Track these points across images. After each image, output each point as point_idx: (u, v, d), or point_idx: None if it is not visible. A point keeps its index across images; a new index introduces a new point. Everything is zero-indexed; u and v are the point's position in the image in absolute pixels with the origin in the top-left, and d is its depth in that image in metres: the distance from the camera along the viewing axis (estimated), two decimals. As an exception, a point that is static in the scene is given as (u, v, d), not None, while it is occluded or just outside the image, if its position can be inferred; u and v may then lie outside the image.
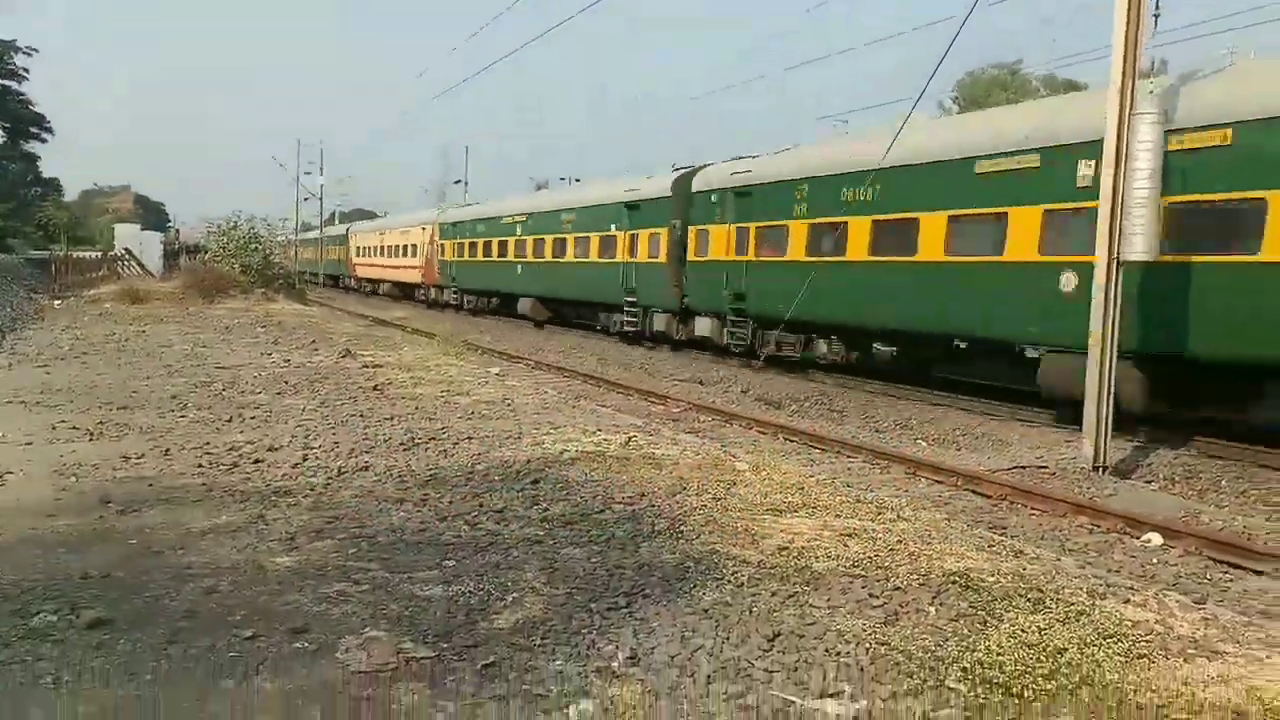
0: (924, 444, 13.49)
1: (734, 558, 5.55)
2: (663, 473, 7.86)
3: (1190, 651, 4.37)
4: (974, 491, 10.22)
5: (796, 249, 19.04)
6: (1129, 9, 11.15)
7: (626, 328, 26.36)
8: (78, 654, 4.06)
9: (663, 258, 24.18)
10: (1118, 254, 11.25)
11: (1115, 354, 11.35)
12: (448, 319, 36.73)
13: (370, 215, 73.48)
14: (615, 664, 4.08)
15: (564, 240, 30.66)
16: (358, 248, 56.52)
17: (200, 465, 7.76)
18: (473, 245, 38.50)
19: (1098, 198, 11.57)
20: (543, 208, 33.20)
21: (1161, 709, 3.73)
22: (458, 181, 68.05)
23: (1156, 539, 8.46)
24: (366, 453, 8.36)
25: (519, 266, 33.88)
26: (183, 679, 3.88)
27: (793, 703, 3.76)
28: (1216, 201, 11.79)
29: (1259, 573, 7.66)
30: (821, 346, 19.24)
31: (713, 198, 22.42)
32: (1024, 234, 14.09)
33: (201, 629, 4.37)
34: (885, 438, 13.88)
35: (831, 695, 3.83)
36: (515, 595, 4.91)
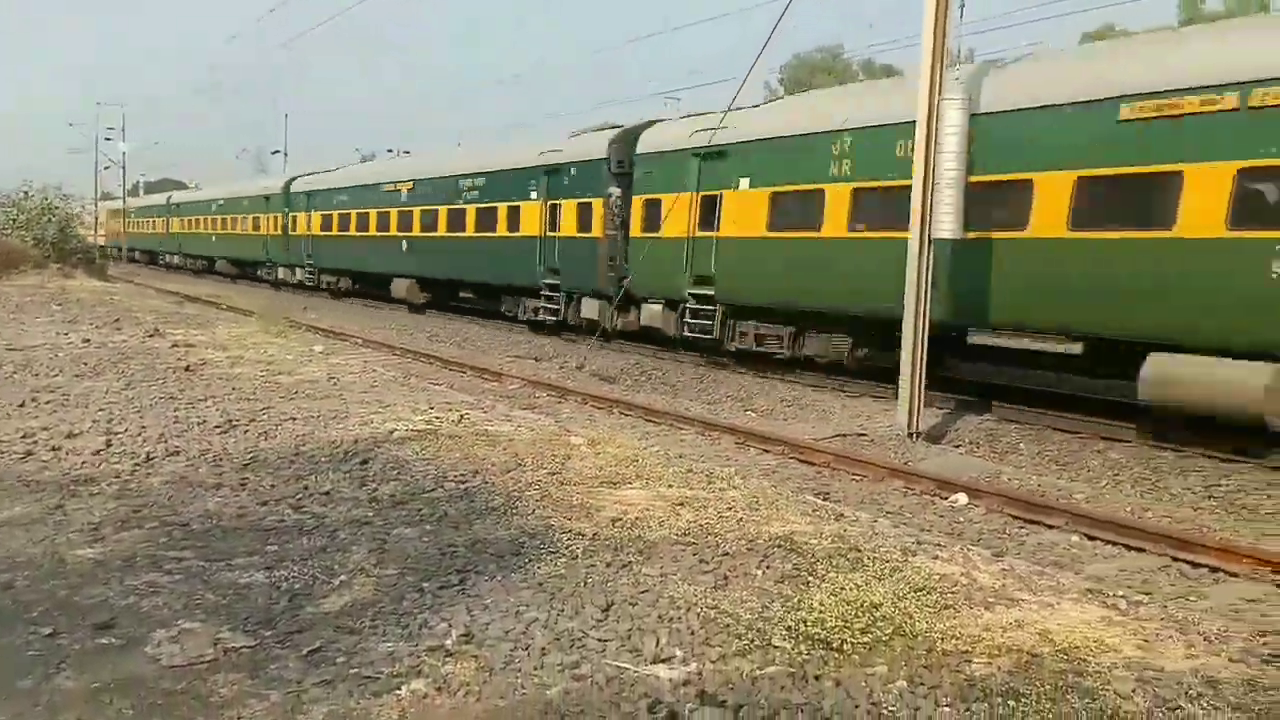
0: (754, 415, 13.93)
1: (569, 531, 5.57)
2: (497, 449, 7.79)
3: (991, 601, 4.70)
4: (800, 460, 10.64)
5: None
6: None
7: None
8: None
9: None
10: (929, 231, 11.92)
11: (927, 327, 12.03)
12: (264, 295, 35.07)
13: (180, 185, 69.12)
14: (449, 642, 4.03)
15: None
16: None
17: (-12, 454, 7.12)
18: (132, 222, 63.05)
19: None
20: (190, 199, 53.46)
21: (965, 654, 4.00)
22: (276, 151, 64.91)
23: (963, 499, 9.06)
24: (178, 437, 7.87)
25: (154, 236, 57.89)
26: (-29, 683, 3.57)
27: (625, 670, 3.81)
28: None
29: (1051, 526, 8.33)
30: None
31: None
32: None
33: (-7, 628, 4.03)
34: (717, 410, 14.25)
35: (663, 660, 3.91)
36: (343, 578, 4.76)
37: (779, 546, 5.36)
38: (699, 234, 17.35)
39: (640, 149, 19.40)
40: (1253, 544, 7.83)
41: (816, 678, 3.77)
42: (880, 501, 9.02)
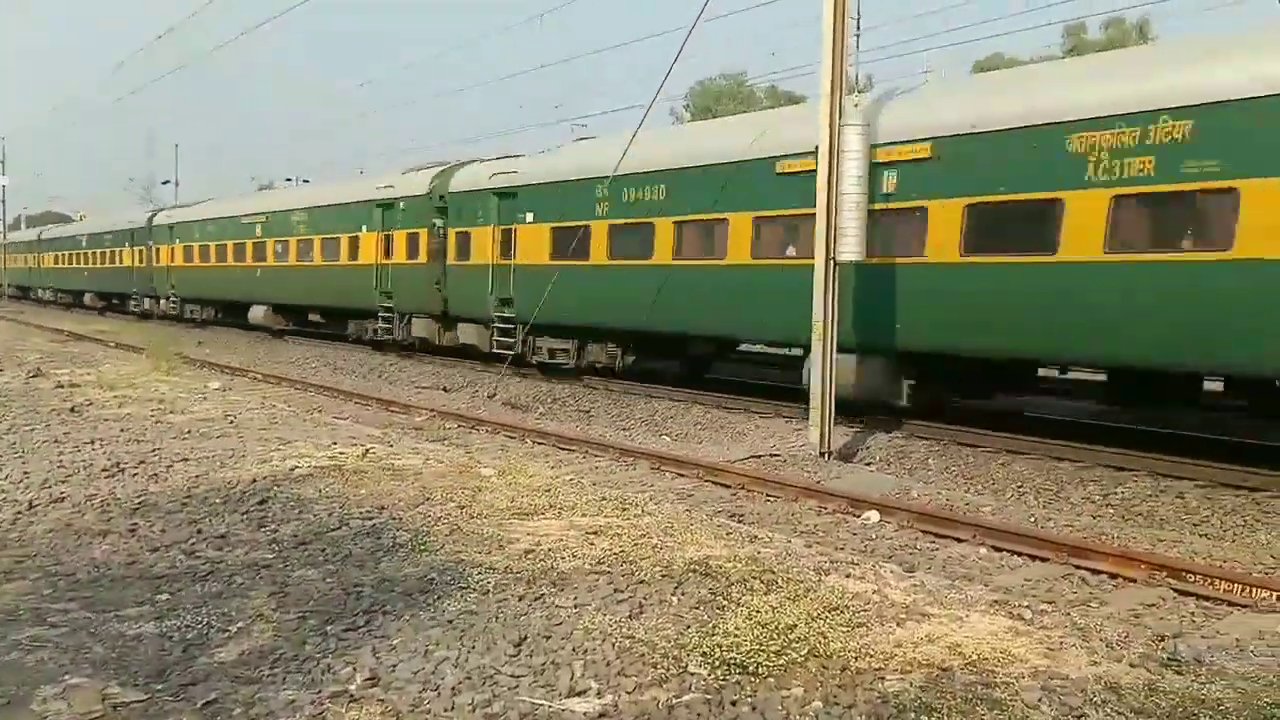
0: (668, 439, 13.93)
1: (480, 565, 5.45)
2: (404, 484, 7.60)
3: (902, 617, 4.74)
4: (715, 482, 10.64)
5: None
6: (834, 28, 12.06)
7: None
8: None
9: None
10: (833, 254, 12.14)
11: (835, 347, 12.23)
12: (154, 330, 33.81)
13: (65, 218, 66.36)
14: (353, 687, 3.86)
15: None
16: None
17: None
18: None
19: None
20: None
21: (878, 671, 4.01)
22: (166, 182, 63.09)
23: (875, 516, 9.17)
24: (62, 482, 7.48)
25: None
26: None
27: (539, 705, 3.71)
28: None
29: (960, 540, 8.49)
30: None
31: None
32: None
33: None
34: (631, 435, 14.20)
35: (579, 694, 3.82)
36: (241, 625, 4.55)
37: (694, 571, 5.33)
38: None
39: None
40: (1149, 550, 8.11)
41: (733, 703, 3.73)
42: (794, 522, 9.07)
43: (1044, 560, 7.91)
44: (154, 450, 8.82)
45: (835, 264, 12.15)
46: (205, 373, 18.88)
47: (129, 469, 8.00)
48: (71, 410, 11.20)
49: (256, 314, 30.80)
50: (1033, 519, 9.41)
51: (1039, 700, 3.78)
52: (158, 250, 38.10)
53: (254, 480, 7.60)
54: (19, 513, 6.59)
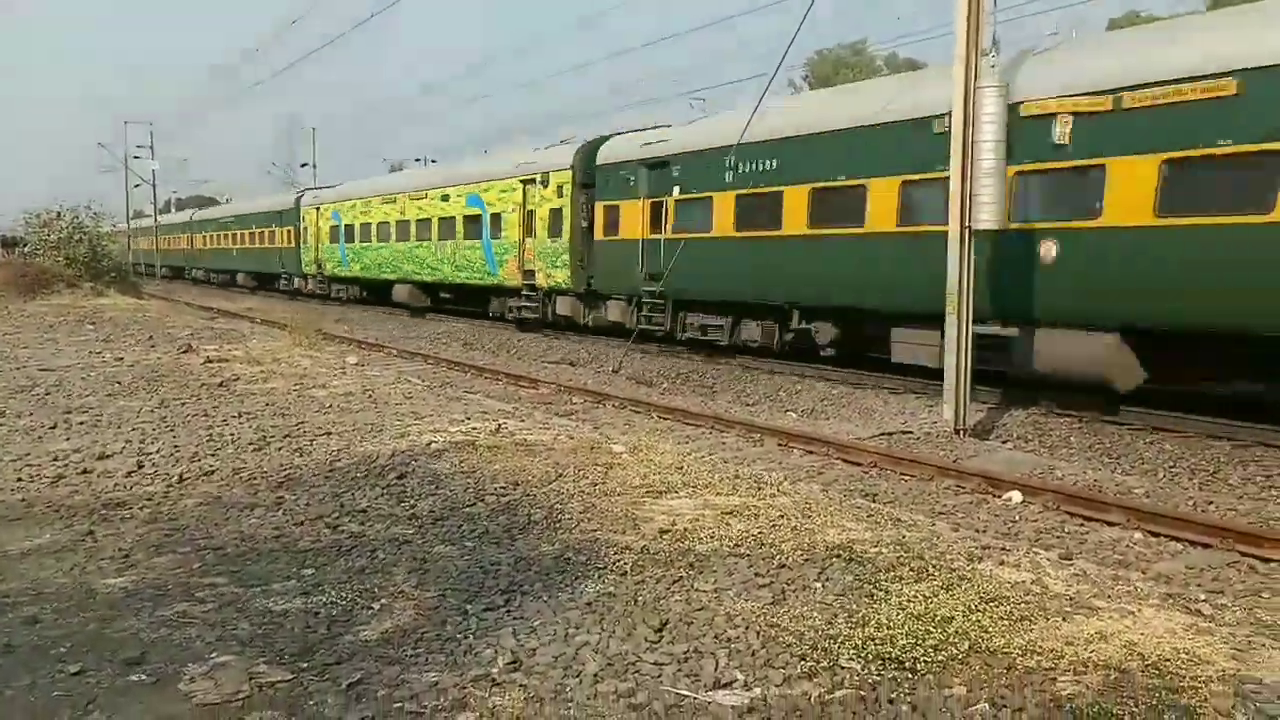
0: (794, 415, 13.63)
1: (615, 544, 5.35)
2: (536, 460, 7.59)
3: (1068, 610, 4.40)
4: (846, 460, 10.34)
5: None
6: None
7: None
8: None
9: None
10: (969, 222, 11.58)
11: (970, 320, 11.70)
12: (295, 307, 35.19)
13: (212, 201, 69.65)
14: (495, 670, 3.81)
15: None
16: None
17: (20, 479, 7.00)
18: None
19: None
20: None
21: (1049, 671, 3.72)
22: (305, 165, 65.04)
23: (1017, 496, 8.73)
24: (211, 455, 7.74)
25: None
26: (-4, 727, 3.40)
27: (685, 697, 3.58)
28: None
29: (1111, 523, 7.98)
30: None
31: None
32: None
33: (20, 665, 3.86)
34: (756, 411, 13.96)
35: (724, 686, 3.67)
36: (383, 602, 4.56)
37: (837, 556, 5.10)
38: None
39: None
40: (1328, 537, 7.45)
41: (890, 701, 3.52)
42: (931, 502, 8.72)
43: (1206, 547, 7.37)
44: (298, 424, 9.07)
45: (970, 232, 11.61)
46: (343, 348, 19.48)
47: (274, 442, 8.23)
48: (219, 385, 11.64)
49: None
50: (1191, 502, 8.79)
51: (1233, 708, 3.44)
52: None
53: (393, 454, 7.71)
54: (169, 486, 6.81)
